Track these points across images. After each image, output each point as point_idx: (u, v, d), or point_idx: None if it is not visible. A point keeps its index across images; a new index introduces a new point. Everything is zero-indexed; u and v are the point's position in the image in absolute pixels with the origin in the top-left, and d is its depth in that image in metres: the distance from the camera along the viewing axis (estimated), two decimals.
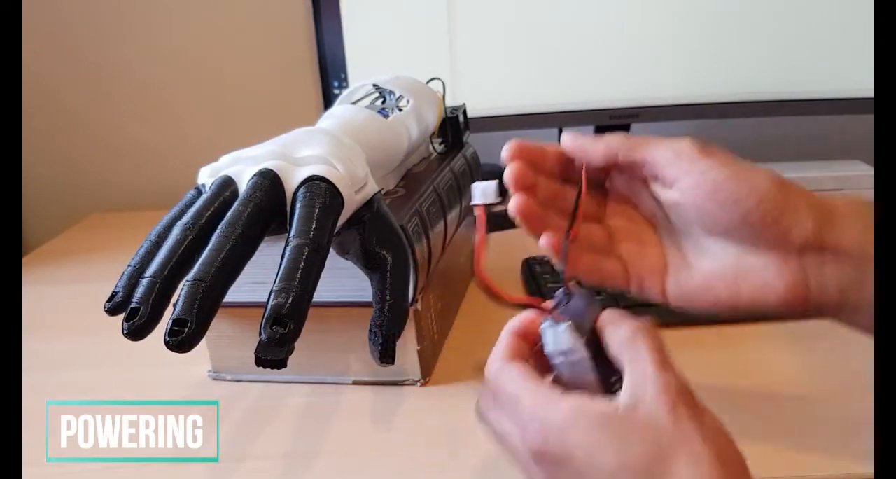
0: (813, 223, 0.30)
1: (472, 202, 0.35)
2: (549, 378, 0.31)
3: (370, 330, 0.39)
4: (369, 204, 0.41)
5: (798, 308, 0.31)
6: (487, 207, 0.35)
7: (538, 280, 0.59)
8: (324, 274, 0.35)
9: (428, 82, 0.58)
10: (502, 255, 0.67)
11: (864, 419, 0.29)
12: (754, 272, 0.31)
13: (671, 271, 0.34)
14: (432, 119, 0.57)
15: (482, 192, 0.34)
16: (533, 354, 0.31)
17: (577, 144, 0.35)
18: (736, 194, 0.31)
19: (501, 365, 0.30)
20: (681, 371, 0.28)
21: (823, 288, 0.31)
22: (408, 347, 0.46)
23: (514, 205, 0.33)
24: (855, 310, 0.31)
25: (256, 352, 0.32)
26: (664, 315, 0.34)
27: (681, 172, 0.32)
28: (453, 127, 0.61)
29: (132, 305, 0.32)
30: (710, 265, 0.33)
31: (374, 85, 0.56)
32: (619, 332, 0.29)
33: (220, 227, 0.34)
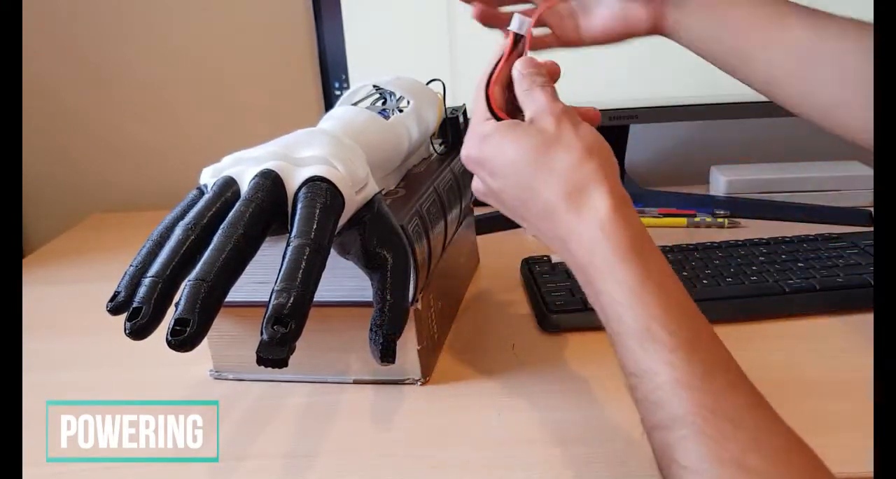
0: None
1: (509, 27, 0.43)
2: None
3: (371, 330, 0.39)
4: (370, 204, 0.41)
5: (654, 33, 0.47)
6: (514, 49, 0.43)
7: (537, 279, 0.59)
8: (324, 274, 0.35)
9: (428, 83, 0.59)
10: (502, 255, 0.67)
11: (863, 419, 0.29)
12: (634, 13, 0.46)
13: (580, 20, 0.48)
14: (432, 120, 0.57)
15: (520, 22, 0.42)
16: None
17: None
18: None
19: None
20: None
21: (665, 16, 0.46)
22: (408, 346, 0.46)
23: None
24: (682, 29, 0.46)
25: (258, 351, 0.32)
26: None
27: None
28: (453, 127, 0.61)
29: (134, 304, 0.32)
30: (608, 12, 0.47)
31: (375, 86, 0.56)
32: (520, 86, 0.41)
33: (221, 227, 0.35)
